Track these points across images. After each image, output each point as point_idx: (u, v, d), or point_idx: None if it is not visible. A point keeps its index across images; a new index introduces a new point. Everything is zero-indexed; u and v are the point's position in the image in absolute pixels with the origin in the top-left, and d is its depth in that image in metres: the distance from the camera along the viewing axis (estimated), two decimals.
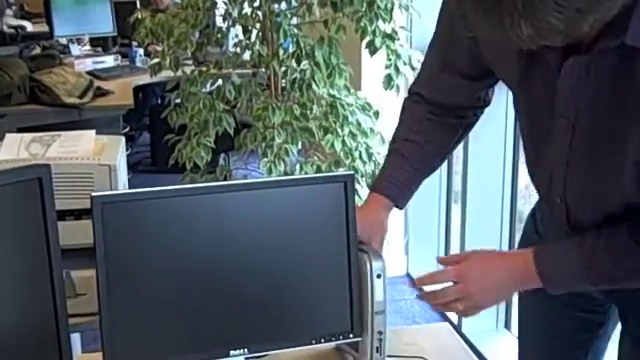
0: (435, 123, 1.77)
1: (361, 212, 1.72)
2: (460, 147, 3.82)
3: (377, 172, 3.18)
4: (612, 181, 1.45)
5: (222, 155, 4.70)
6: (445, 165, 4.27)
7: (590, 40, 1.31)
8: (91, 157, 2.05)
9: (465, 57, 1.64)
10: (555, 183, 1.56)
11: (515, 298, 1.95)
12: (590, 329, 1.83)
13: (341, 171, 3.05)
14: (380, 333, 1.67)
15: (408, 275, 4.45)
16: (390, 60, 3.19)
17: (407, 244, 4.44)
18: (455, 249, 4.02)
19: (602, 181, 1.47)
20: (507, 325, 3.69)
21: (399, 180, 1.78)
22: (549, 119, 1.48)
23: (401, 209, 1.81)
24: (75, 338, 2.25)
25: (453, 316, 3.77)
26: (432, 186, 4.30)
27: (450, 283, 1.68)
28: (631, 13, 1.24)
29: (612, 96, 1.37)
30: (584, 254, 1.50)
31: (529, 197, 4.19)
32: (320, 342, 1.68)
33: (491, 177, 3.57)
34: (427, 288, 1.76)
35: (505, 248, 3.59)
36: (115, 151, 2.10)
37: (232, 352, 1.61)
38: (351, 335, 1.68)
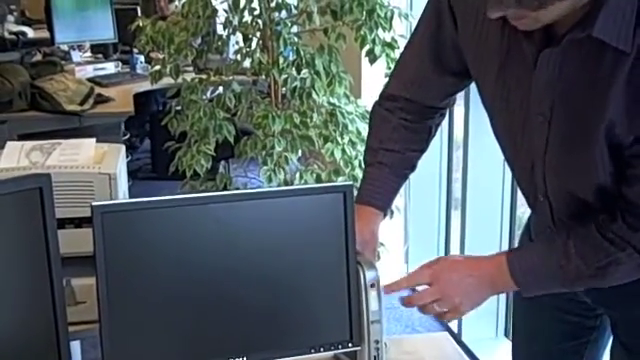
0: (411, 130, 1.82)
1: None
2: (460, 154, 3.84)
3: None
4: (587, 174, 1.48)
5: (222, 163, 4.71)
6: (445, 172, 4.28)
7: (563, 34, 1.39)
8: (91, 166, 2.05)
9: (452, 53, 1.67)
10: (536, 179, 1.59)
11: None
12: (582, 334, 1.84)
13: (340, 180, 3.05)
14: (377, 342, 1.68)
15: None
16: (390, 68, 3.20)
17: (407, 251, 4.44)
18: None
19: (579, 175, 1.51)
20: (507, 333, 3.69)
21: (384, 190, 1.83)
22: (524, 117, 1.53)
23: (386, 216, 1.85)
24: (75, 345, 2.25)
25: (453, 325, 3.78)
26: (432, 193, 4.31)
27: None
28: (600, 8, 1.32)
29: (583, 91, 1.42)
30: (556, 254, 1.53)
31: None
32: (319, 351, 1.69)
33: (491, 184, 3.58)
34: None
35: None
36: (115, 159, 2.10)
37: None
38: (350, 344, 1.69)
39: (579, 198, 1.54)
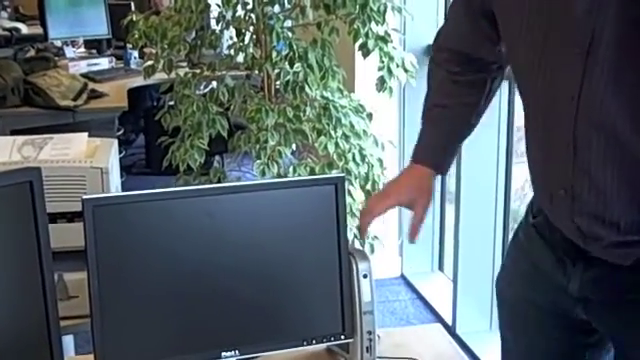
0: (462, 84, 1.75)
1: (404, 178, 1.77)
2: None
3: (369, 173, 3.21)
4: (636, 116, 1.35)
5: (216, 157, 4.70)
6: None
7: None
8: (83, 160, 2.05)
9: None
10: (563, 123, 1.43)
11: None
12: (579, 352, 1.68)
13: (334, 173, 3.05)
14: (369, 333, 1.68)
15: (402, 276, 4.46)
16: (383, 62, 3.19)
17: (401, 245, 4.44)
18: (449, 250, 4.03)
19: (623, 118, 1.36)
20: None
21: (436, 147, 1.78)
22: (558, 53, 1.41)
23: (444, 174, 1.82)
24: (68, 340, 2.25)
25: (447, 317, 3.79)
26: None
27: None
28: None
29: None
30: None
31: (523, 197, 4.20)
32: (311, 343, 1.69)
33: (485, 178, 3.58)
34: None
35: (499, 248, 3.60)
36: (107, 154, 2.10)
37: (224, 354, 1.62)
38: (342, 336, 1.69)
39: (617, 139, 1.39)
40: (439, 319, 3.88)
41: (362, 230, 1.75)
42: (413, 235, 1.75)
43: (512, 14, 1.50)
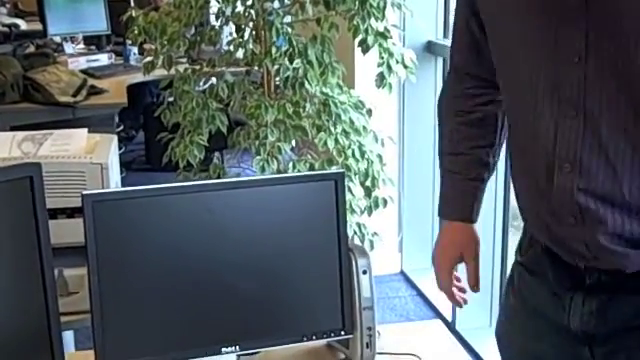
0: (472, 124, 1.67)
1: (441, 240, 1.76)
2: None
3: (368, 169, 3.21)
4: None
5: (216, 154, 4.70)
6: (437, 164, 4.28)
7: None
8: (83, 156, 2.05)
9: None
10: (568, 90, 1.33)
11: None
12: None
13: (333, 169, 3.05)
14: (369, 329, 1.69)
15: (402, 272, 4.46)
16: (382, 58, 3.19)
17: (401, 242, 4.44)
18: None
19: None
20: None
21: (457, 201, 1.73)
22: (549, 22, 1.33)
23: (475, 222, 1.73)
24: (68, 336, 2.26)
25: (447, 313, 3.79)
26: (425, 184, 4.31)
27: None
28: None
29: None
30: None
31: None
32: (311, 339, 1.69)
33: None
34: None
35: (498, 244, 3.60)
36: (107, 150, 2.10)
37: (224, 349, 1.62)
38: (342, 332, 1.69)
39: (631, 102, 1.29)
40: (439, 315, 3.88)
41: (457, 302, 1.76)
42: (474, 286, 1.73)
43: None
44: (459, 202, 1.73)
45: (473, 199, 1.72)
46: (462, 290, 1.76)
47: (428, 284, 4.29)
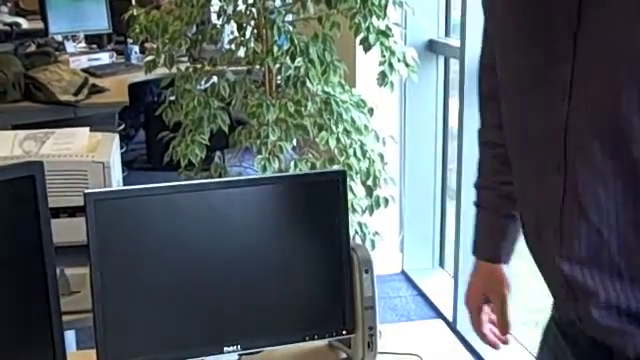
0: (501, 158, 1.48)
1: (472, 279, 1.65)
2: (454, 145, 3.83)
3: (370, 168, 3.21)
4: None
5: (217, 153, 4.70)
6: (440, 162, 4.28)
7: None
8: (85, 154, 2.05)
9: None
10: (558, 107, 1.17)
11: None
12: None
13: (335, 168, 3.05)
14: (371, 329, 1.68)
15: (403, 272, 4.46)
16: (384, 57, 3.19)
17: (402, 241, 4.44)
18: (450, 246, 4.03)
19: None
20: None
21: (489, 237, 1.62)
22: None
23: (507, 263, 1.61)
24: (70, 335, 2.25)
25: (448, 313, 3.78)
26: (427, 183, 4.31)
27: None
28: None
29: None
30: None
31: None
32: (313, 339, 1.69)
33: None
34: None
35: None
36: (109, 148, 2.10)
37: (225, 348, 1.62)
38: (344, 332, 1.69)
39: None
40: (440, 315, 3.88)
41: (490, 344, 1.64)
42: (503, 332, 1.61)
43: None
44: (487, 240, 1.62)
45: (502, 238, 1.59)
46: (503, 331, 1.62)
47: (429, 284, 4.29)
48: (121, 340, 1.56)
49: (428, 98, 4.20)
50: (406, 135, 4.27)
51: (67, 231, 1.77)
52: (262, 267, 1.64)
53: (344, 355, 1.77)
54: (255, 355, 1.72)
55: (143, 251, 1.57)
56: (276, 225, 1.65)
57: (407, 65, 3.23)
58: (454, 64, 3.98)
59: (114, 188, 1.93)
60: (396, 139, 3.63)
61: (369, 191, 3.28)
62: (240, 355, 1.66)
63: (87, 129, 2.18)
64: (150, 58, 3.51)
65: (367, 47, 3.18)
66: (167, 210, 1.58)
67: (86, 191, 1.53)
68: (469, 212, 3.60)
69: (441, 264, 4.44)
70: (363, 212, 3.32)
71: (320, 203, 1.66)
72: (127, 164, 5.54)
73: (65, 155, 2.04)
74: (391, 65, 3.20)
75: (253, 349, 1.67)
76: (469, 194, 3.70)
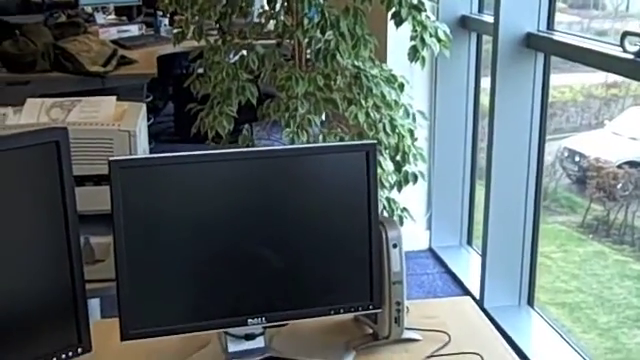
0: None
1: None
2: (485, 123, 3.78)
3: (399, 143, 3.17)
4: None
5: (245, 126, 4.68)
6: (470, 141, 4.23)
7: None
8: (111, 123, 2.03)
9: None
10: None
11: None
12: None
13: (365, 141, 3.01)
14: (398, 304, 1.66)
15: (430, 249, 4.43)
16: (416, 32, 3.14)
17: (430, 219, 4.41)
18: (478, 225, 3.99)
19: None
20: (530, 302, 3.65)
21: None
22: None
23: None
24: (94, 304, 2.25)
25: (475, 291, 3.75)
26: (456, 162, 4.27)
27: None
28: None
29: None
30: None
31: (554, 174, 4.14)
32: (339, 312, 1.66)
33: (516, 154, 3.53)
34: None
35: (529, 223, 3.55)
36: (135, 117, 2.08)
37: (250, 320, 1.60)
38: (370, 306, 1.66)
39: None
40: (467, 293, 3.85)
41: None
42: None
43: None
44: None
45: None
46: None
47: (457, 262, 4.26)
48: (144, 309, 1.55)
49: (460, 75, 4.14)
50: (436, 112, 4.23)
51: (92, 199, 1.76)
52: (289, 239, 1.61)
53: (370, 330, 1.74)
54: (280, 328, 1.69)
55: (168, 220, 1.55)
56: (305, 197, 1.62)
57: (439, 40, 3.18)
58: (487, 42, 3.92)
59: (140, 156, 1.91)
60: (426, 115, 3.58)
61: (398, 167, 3.24)
62: (265, 327, 1.64)
63: (114, 98, 2.16)
64: (179, 30, 3.49)
65: (399, 22, 3.13)
66: (193, 179, 1.55)
67: (111, 159, 1.51)
68: (499, 191, 3.59)
69: (469, 242, 4.41)
70: (391, 188, 3.28)
71: (350, 175, 1.63)
72: (154, 136, 5.53)
73: (91, 123, 2.02)
74: (423, 40, 3.15)
75: (278, 322, 1.65)
76: (499, 173, 3.68)
